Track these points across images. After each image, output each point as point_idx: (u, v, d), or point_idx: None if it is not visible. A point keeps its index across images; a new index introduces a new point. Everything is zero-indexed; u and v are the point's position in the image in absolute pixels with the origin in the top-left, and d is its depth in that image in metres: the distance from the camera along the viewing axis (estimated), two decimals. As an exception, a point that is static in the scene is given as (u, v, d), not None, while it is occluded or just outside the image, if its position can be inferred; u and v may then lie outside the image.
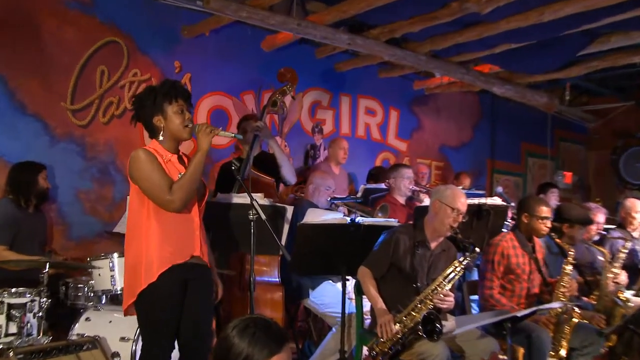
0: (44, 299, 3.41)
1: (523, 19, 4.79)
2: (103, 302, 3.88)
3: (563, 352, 3.59)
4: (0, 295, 3.33)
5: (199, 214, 2.81)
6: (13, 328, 3.34)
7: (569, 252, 3.80)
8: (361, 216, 3.87)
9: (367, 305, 3.58)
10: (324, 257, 3.60)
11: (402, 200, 4.99)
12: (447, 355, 3.08)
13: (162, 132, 2.75)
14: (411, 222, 3.71)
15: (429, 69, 6.24)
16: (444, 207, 3.37)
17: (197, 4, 4.59)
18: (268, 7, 4.81)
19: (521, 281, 3.79)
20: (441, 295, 3.18)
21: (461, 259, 3.26)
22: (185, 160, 2.85)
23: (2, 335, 3.30)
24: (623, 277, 4.22)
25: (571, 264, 3.79)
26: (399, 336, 3.13)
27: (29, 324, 3.38)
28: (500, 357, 3.39)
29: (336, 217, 3.71)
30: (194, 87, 5.41)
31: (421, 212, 3.79)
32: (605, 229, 4.92)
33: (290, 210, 3.73)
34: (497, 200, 4.34)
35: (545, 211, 3.84)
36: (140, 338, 3.13)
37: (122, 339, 3.42)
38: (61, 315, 3.85)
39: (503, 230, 4.31)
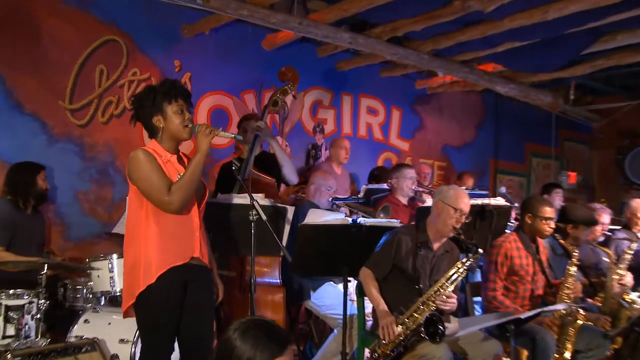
0: (42, 301, 3.40)
1: (527, 17, 4.77)
2: (102, 303, 3.87)
3: (567, 355, 3.57)
4: (-2, 297, 3.32)
5: (198, 214, 2.80)
6: (11, 330, 3.33)
7: (574, 253, 3.79)
8: (363, 217, 3.85)
9: (369, 307, 3.57)
10: (325, 258, 3.59)
11: (404, 200, 4.97)
12: (450, 358, 3.06)
13: (161, 132, 2.74)
14: (413, 223, 3.70)
15: (432, 68, 6.22)
16: (446, 207, 3.35)
17: (197, 2, 4.56)
18: (269, 6, 4.79)
19: (525, 282, 3.78)
20: (444, 297, 3.16)
21: (464, 260, 3.24)
22: (185, 160, 2.84)
23: (0, 338, 3.28)
24: (629, 278, 4.20)
25: (576, 265, 3.77)
26: (401, 338, 3.12)
27: (26, 326, 3.36)
28: (504, 359, 3.36)
29: (338, 217, 3.69)
30: (193, 86, 5.40)
31: (423, 212, 3.78)
32: (611, 230, 4.92)
33: (291, 210, 3.72)
34: (500, 201, 4.32)
35: (548, 212, 3.83)
36: (139, 340, 3.08)
37: (122, 341, 3.40)
38: (59, 317, 3.83)
39: (506, 231, 4.29)
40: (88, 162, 4.86)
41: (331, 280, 4.17)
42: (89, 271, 3.84)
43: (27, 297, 3.38)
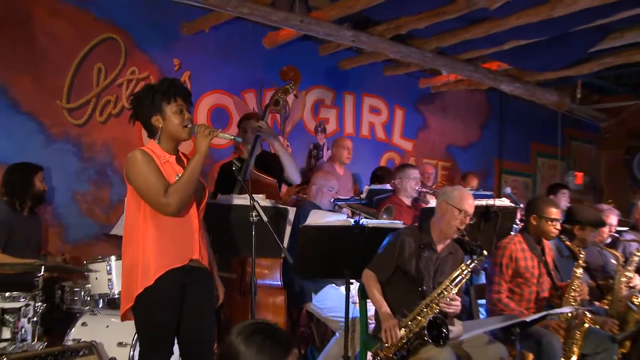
0: (39, 304, 3.38)
1: (533, 14, 4.74)
2: (100, 306, 3.83)
3: (574, 359, 3.55)
4: (-6, 299, 3.31)
5: (198, 216, 2.78)
6: (7, 333, 3.31)
7: (580, 255, 3.77)
8: (365, 218, 3.84)
9: (371, 309, 3.55)
10: (327, 259, 3.57)
11: (407, 201, 4.96)
12: (454, 362, 3.04)
13: (160, 132, 2.71)
14: (417, 224, 3.68)
15: (436, 66, 6.18)
16: (450, 208, 3.34)
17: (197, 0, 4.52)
18: (270, 3, 4.77)
19: (530, 285, 3.76)
20: (448, 299, 3.14)
21: (468, 262, 3.22)
22: (185, 160, 2.82)
23: (-4, 341, 3.27)
24: (637, 280, 4.16)
25: (582, 267, 3.75)
26: (404, 341, 3.10)
27: (23, 329, 3.34)
28: (509, 363, 3.35)
29: (340, 218, 3.68)
30: (193, 85, 5.36)
31: (427, 213, 3.77)
32: (618, 231, 4.88)
33: (292, 211, 3.70)
34: (505, 202, 4.31)
35: (554, 213, 3.81)
36: (138, 343, 3.08)
37: (120, 344, 3.39)
38: (57, 320, 3.81)
39: (511, 232, 4.28)
40: (86, 162, 4.82)
41: (333, 283, 4.15)
42: (86, 273, 3.82)
43: (23, 299, 3.37)
